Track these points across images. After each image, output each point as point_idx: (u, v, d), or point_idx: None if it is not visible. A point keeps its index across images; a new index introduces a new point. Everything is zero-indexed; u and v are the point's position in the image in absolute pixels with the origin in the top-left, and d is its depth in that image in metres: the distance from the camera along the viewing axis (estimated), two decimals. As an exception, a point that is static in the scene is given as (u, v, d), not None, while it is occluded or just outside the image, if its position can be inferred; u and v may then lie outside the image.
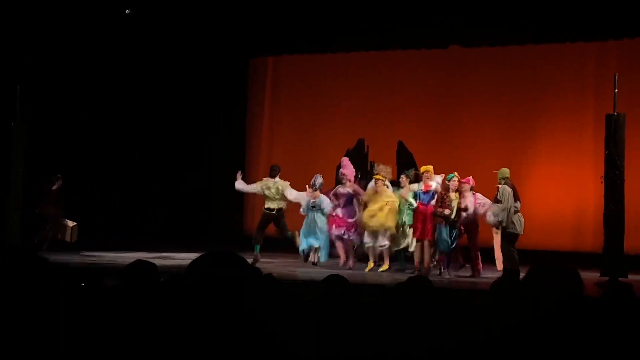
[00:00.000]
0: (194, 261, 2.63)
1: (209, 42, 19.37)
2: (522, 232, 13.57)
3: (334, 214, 14.99)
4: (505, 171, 13.75)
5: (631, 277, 12.83)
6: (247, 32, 18.85)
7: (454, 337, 3.88)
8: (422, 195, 14.06)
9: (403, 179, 14.87)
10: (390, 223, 14.33)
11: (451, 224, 13.79)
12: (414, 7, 17.13)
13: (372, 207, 14.42)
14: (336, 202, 15.02)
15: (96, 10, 18.07)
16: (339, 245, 15.08)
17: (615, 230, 13.39)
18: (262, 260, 15.28)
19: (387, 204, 14.35)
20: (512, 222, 13.42)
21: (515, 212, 13.50)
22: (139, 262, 4.94)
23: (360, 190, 15.01)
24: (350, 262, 14.98)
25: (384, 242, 14.48)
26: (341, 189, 15.05)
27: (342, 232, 14.85)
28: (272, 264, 15.36)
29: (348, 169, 15.23)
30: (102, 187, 19.08)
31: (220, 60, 20.00)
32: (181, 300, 2.56)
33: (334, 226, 14.98)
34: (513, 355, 2.91)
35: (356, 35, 17.99)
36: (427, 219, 13.87)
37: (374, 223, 14.39)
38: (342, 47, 18.70)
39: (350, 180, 15.11)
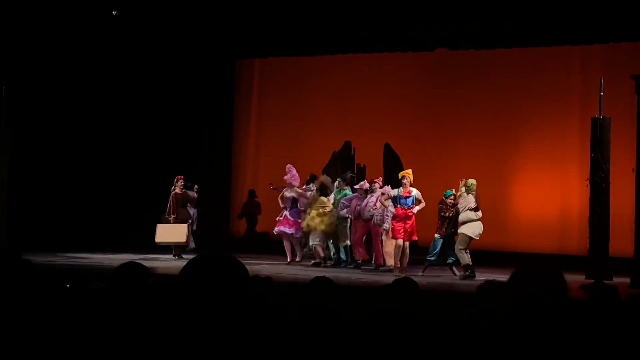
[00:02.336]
0: (189, 263, 2.62)
1: (196, 44, 19.33)
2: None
3: (283, 215, 16.47)
4: (471, 182, 14.39)
5: (616, 279, 12.88)
6: (234, 34, 18.83)
7: (440, 339, 3.90)
8: (402, 200, 14.63)
9: (340, 183, 16.22)
10: (317, 225, 15.75)
11: (448, 235, 14.52)
12: (401, 10, 17.14)
13: (309, 211, 15.94)
14: (282, 205, 16.55)
15: (83, 12, 18.02)
16: (286, 244, 16.55)
17: (601, 232, 13.43)
18: (251, 262, 15.41)
19: (318, 209, 15.78)
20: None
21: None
22: (130, 264, 4.93)
23: (306, 195, 16.28)
24: (297, 258, 16.53)
25: (313, 241, 16.00)
26: (287, 194, 16.48)
27: (288, 230, 16.34)
28: (260, 266, 15.37)
29: (290, 173, 16.48)
30: (87, 190, 18.99)
31: (207, 62, 19.96)
32: (176, 303, 2.56)
33: (281, 226, 16.45)
34: (498, 357, 2.92)
35: (343, 37, 18.00)
36: (408, 221, 14.58)
37: (304, 225, 15.99)
38: (329, 49, 18.70)
39: (294, 186, 16.42)
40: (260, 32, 18.50)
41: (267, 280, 5.28)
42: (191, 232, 17.05)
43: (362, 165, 18.38)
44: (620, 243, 14.09)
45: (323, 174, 18.05)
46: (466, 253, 14.06)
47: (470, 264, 13.99)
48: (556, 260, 15.23)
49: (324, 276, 5.27)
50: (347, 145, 18.55)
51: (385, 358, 3.82)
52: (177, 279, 2.56)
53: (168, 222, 17.00)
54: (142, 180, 19.76)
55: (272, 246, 18.47)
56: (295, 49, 18.93)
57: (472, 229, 14.05)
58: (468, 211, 14.10)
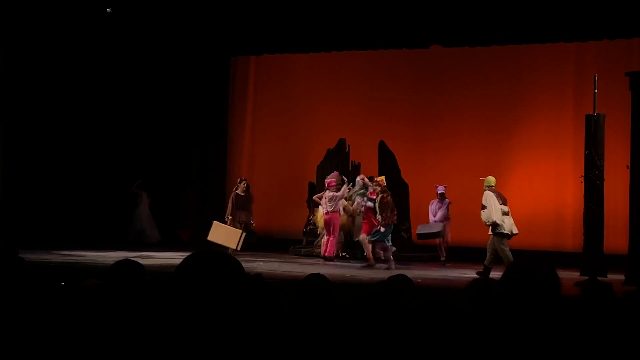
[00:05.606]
0: (184, 261, 2.62)
1: (191, 41, 19.31)
2: (511, 232, 14.03)
3: None
4: (491, 179, 14.25)
5: (610, 276, 12.90)
6: (228, 31, 18.81)
7: (434, 335, 3.90)
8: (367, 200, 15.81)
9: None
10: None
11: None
12: (396, 7, 17.14)
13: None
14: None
15: (77, 9, 17.98)
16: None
17: (595, 229, 13.44)
18: (247, 259, 15.50)
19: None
20: (499, 224, 13.89)
21: (504, 214, 13.95)
22: (125, 262, 4.93)
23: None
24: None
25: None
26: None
27: None
28: (255, 263, 15.39)
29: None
30: (79, 186, 18.96)
31: (202, 58, 19.94)
32: (171, 300, 2.56)
33: None
34: (492, 355, 2.92)
35: (338, 34, 17.99)
36: (369, 218, 15.67)
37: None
38: (324, 46, 18.70)
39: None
40: (255, 29, 18.49)
41: (258, 277, 5.29)
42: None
43: (356, 163, 18.37)
44: (614, 240, 14.12)
45: (318, 171, 18.07)
46: (503, 248, 13.98)
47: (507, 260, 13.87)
48: (551, 257, 15.22)
49: (318, 273, 5.27)
50: (341, 143, 18.51)
51: (380, 354, 3.83)
52: (173, 276, 2.57)
53: (225, 222, 16.66)
54: (135, 176, 19.75)
55: (268, 245, 18.49)
56: (290, 46, 18.92)
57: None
58: None
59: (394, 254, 15.64)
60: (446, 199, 16.82)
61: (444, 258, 16.43)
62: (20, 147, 17.96)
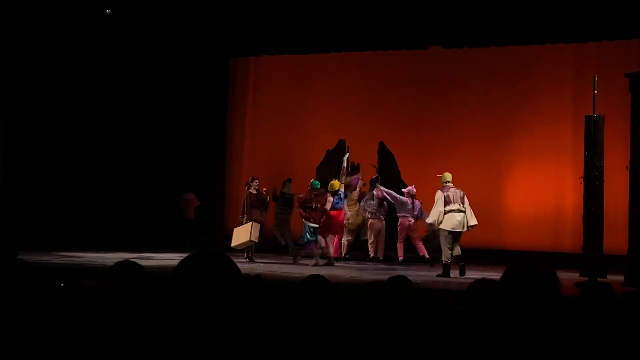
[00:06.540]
0: (182, 261, 2.63)
1: (190, 42, 19.32)
2: (452, 229, 14.00)
3: None
4: (446, 176, 14.38)
5: (610, 277, 12.90)
6: (228, 32, 18.82)
7: (432, 335, 3.90)
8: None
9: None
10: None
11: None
12: (395, 8, 17.15)
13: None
14: None
15: (77, 9, 17.99)
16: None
17: (595, 230, 13.44)
18: (245, 261, 15.55)
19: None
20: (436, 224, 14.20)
21: (450, 211, 14.00)
22: (124, 263, 4.92)
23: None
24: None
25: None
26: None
27: None
28: (255, 264, 15.38)
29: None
30: (79, 186, 18.96)
31: (201, 59, 19.95)
32: (169, 301, 2.56)
33: None
34: (492, 355, 2.92)
35: (338, 35, 18.00)
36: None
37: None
38: (323, 47, 18.71)
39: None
40: (255, 30, 18.50)
41: (257, 278, 5.29)
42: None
43: (356, 164, 18.38)
44: (614, 241, 14.11)
45: (317, 172, 18.06)
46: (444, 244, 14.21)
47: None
48: (550, 258, 15.21)
49: (318, 274, 5.27)
50: (341, 144, 18.52)
51: (379, 355, 3.83)
52: (171, 277, 2.57)
53: (241, 223, 16.39)
54: (134, 176, 19.76)
55: (268, 245, 18.48)
56: (290, 47, 18.93)
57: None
58: None
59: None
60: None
61: (427, 257, 16.17)
62: (20, 147, 17.96)
